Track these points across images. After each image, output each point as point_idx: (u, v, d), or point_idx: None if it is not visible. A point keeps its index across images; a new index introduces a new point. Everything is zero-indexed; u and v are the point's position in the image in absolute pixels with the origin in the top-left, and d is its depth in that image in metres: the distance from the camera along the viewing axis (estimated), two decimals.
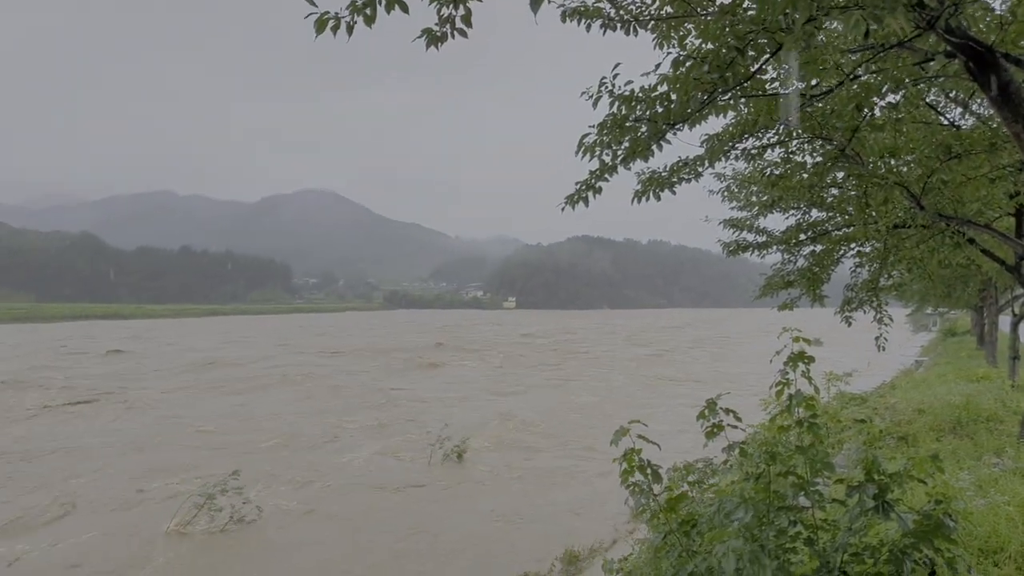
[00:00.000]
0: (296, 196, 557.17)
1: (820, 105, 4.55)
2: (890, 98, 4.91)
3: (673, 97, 3.71)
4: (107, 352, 44.37)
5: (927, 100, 5.84)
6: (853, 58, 4.02)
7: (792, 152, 6.32)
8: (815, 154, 6.18)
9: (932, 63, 3.94)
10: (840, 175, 6.98)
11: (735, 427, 3.68)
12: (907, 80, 4.16)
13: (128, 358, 41.01)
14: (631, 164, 4.09)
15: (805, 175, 6.53)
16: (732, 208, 9.48)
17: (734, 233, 9.56)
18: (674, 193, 4.85)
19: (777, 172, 6.66)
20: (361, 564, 9.42)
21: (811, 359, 3.57)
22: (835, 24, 3.70)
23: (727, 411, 3.69)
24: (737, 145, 5.58)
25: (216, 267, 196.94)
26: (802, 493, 3.38)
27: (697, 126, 4.03)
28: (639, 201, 4.93)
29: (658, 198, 4.85)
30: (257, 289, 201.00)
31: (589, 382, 31.11)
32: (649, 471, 3.58)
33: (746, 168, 8.09)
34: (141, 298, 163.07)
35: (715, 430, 3.66)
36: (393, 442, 17.29)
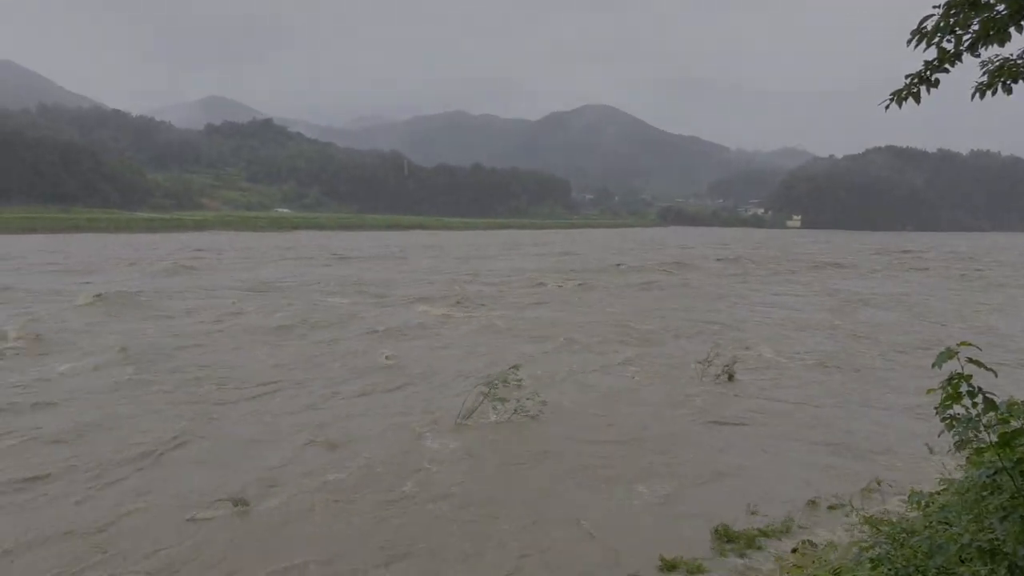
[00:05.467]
0: (576, 113, 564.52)
1: None
2: None
3: None
4: (562, 252, 59.62)
5: None
6: None
7: None
8: None
9: None
10: None
11: None
12: None
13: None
14: (979, 50, 3.51)
15: None
16: None
17: None
18: None
19: None
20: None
21: None
22: None
23: None
24: None
25: (503, 183, 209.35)
26: None
27: None
28: (981, 96, 4.23)
29: (1008, 91, 4.10)
30: (538, 204, 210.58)
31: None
32: (980, 399, 3.18)
33: None
34: (439, 211, 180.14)
35: None
36: None
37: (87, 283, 29.09)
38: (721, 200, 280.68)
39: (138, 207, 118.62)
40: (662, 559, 6.66)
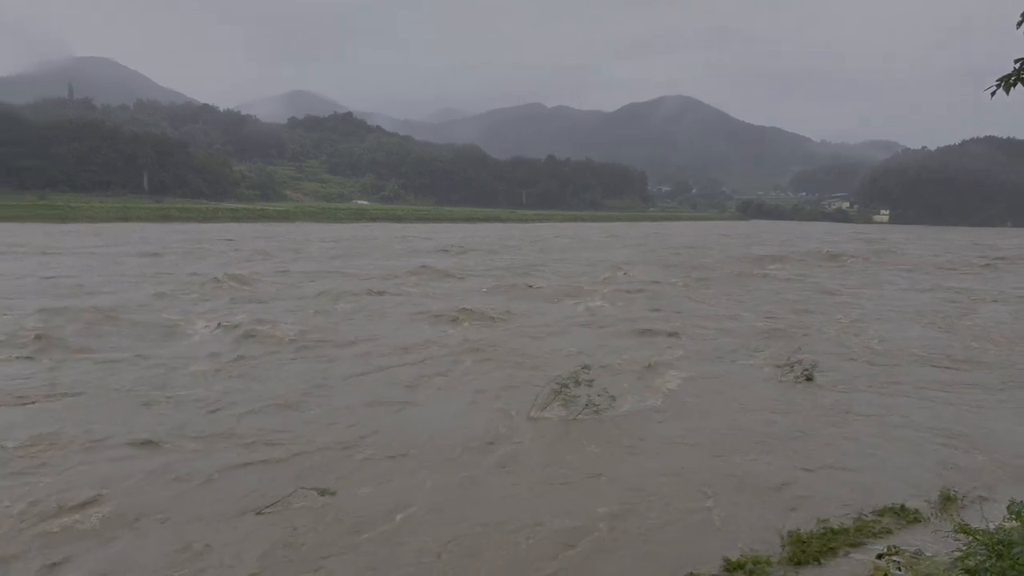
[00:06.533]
0: (654, 103, 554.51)
1: None
2: None
3: None
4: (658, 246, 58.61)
5: None
6: None
7: None
8: None
9: None
10: None
11: None
12: None
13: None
14: None
15: None
16: None
17: None
18: None
19: None
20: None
21: None
22: None
23: None
24: None
25: (577, 174, 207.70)
26: None
27: None
28: None
29: None
30: (614, 196, 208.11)
31: None
32: None
33: None
34: (513, 203, 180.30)
35: None
36: None
37: (230, 270, 29.78)
38: (804, 193, 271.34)
39: (224, 198, 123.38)
40: (726, 560, 6.55)
